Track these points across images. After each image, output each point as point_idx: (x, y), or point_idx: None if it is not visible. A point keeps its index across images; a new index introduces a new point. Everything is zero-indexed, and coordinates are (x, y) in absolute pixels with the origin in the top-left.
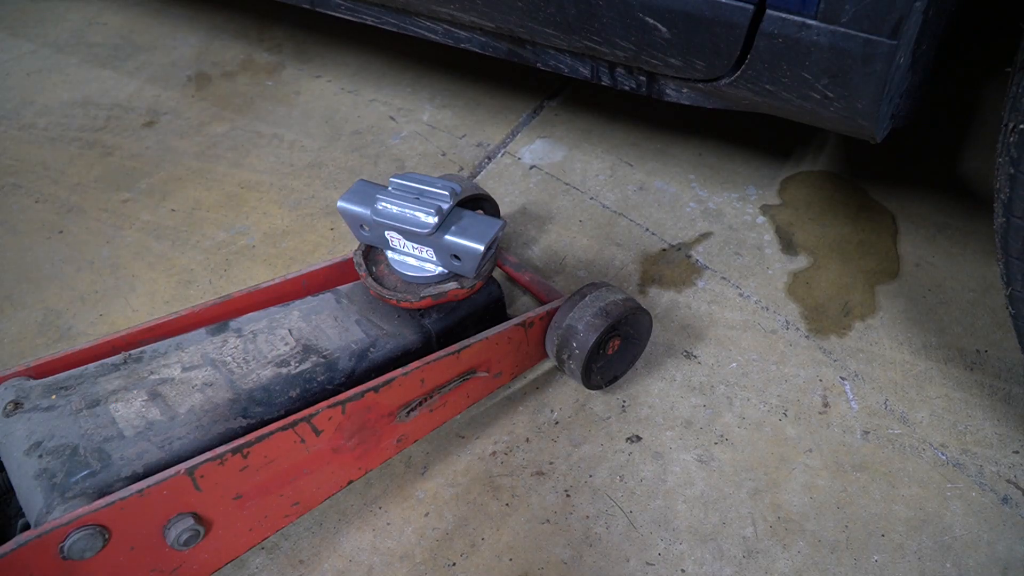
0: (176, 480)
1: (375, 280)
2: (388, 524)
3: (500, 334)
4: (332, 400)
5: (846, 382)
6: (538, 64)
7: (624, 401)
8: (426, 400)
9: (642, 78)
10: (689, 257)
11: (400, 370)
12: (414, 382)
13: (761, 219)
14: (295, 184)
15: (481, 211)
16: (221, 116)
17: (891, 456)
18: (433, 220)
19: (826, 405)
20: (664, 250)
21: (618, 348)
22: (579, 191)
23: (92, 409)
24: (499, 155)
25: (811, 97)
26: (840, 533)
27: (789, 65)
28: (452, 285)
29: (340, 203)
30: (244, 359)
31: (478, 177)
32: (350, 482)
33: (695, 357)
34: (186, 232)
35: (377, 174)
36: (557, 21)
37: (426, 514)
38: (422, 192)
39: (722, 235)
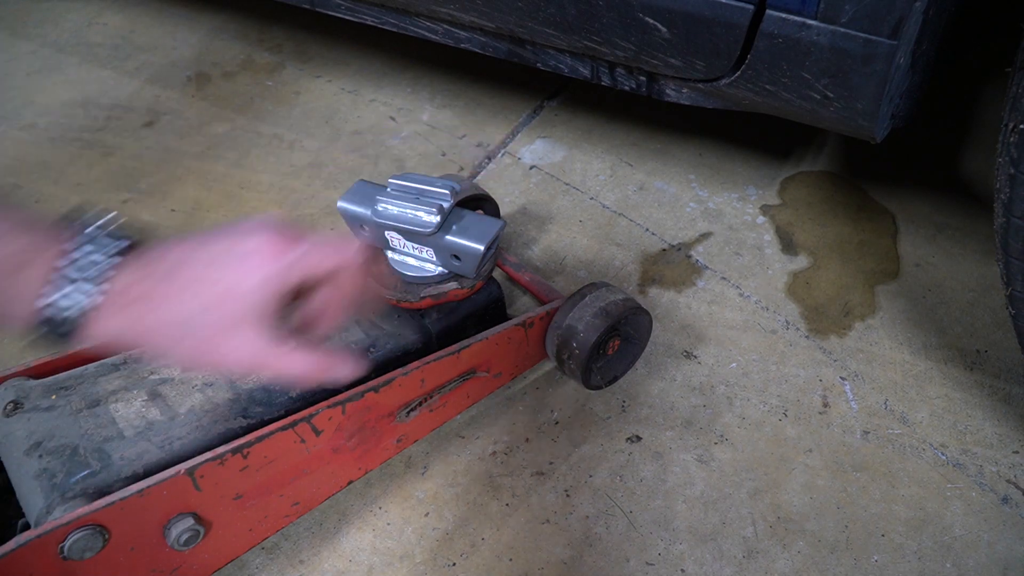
0: (176, 480)
1: (375, 280)
2: (388, 524)
3: (500, 334)
4: (332, 400)
5: (846, 382)
6: (538, 64)
7: (624, 401)
8: (426, 400)
9: (642, 78)
10: (689, 257)
11: (400, 370)
12: (414, 382)
13: (761, 219)
14: (295, 184)
15: (481, 211)
16: (221, 116)
17: (891, 456)
18: (435, 219)
19: (826, 405)
20: (664, 250)
21: (618, 348)
22: (579, 191)
23: (92, 409)
24: (499, 155)
25: (811, 97)
26: (840, 533)
27: (789, 65)
28: (452, 285)
29: (340, 203)
30: None
31: (478, 177)
32: (350, 482)
33: (695, 357)
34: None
35: (377, 174)
36: (557, 21)
37: (426, 514)
38: (422, 192)
39: (722, 235)
